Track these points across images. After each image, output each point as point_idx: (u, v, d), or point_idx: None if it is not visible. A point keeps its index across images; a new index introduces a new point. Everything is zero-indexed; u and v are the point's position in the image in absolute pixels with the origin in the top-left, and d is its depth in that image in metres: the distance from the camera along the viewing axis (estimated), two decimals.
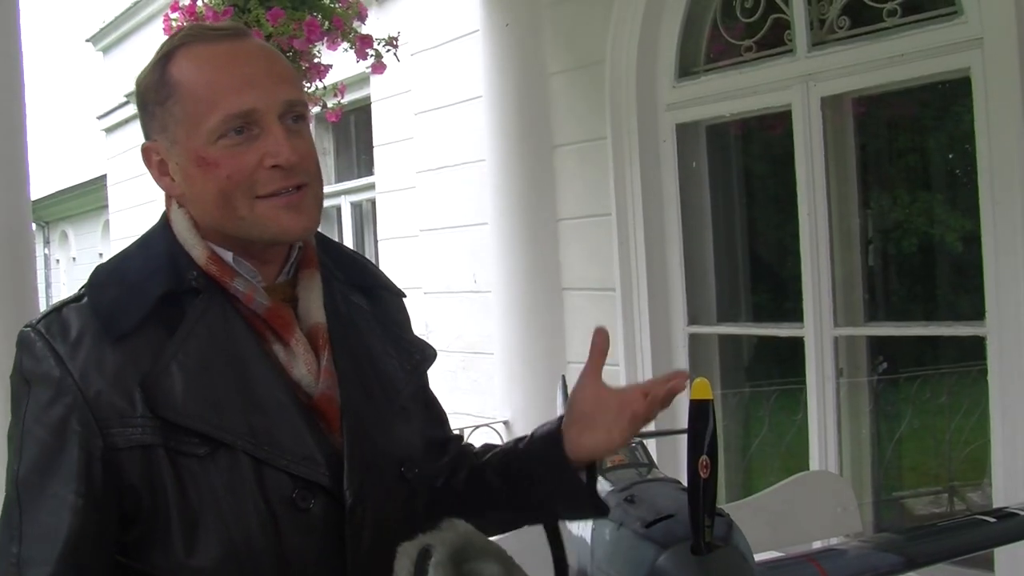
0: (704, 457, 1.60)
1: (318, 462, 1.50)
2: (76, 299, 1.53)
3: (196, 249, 1.56)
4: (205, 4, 4.06)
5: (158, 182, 1.60)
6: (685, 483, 1.90)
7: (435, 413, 1.82)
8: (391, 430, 1.62)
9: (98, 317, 1.48)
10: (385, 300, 1.78)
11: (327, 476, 1.50)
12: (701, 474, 1.60)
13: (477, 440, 5.15)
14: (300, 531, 1.48)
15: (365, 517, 1.53)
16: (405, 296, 1.83)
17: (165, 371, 1.45)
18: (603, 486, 2.10)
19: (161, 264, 1.54)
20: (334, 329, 1.61)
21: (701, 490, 1.61)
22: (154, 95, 1.55)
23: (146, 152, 1.59)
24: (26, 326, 1.51)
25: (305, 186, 1.55)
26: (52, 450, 1.43)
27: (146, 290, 1.50)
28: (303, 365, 1.54)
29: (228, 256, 1.57)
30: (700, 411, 1.61)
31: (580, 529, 2.10)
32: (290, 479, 1.48)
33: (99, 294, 1.52)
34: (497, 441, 5.26)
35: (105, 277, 1.55)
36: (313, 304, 1.61)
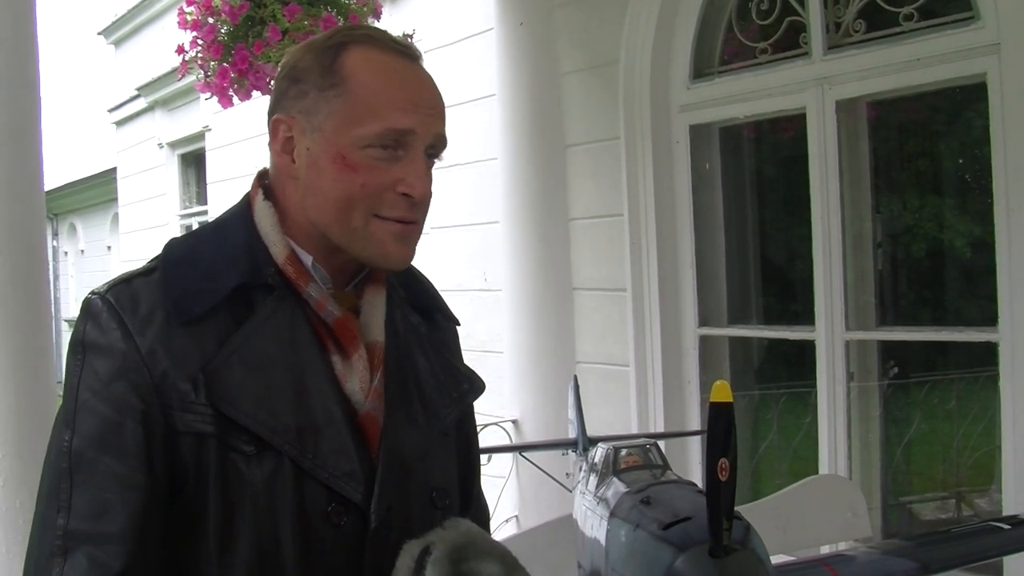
0: (723, 459, 1.59)
1: (358, 480, 1.49)
2: (146, 272, 1.51)
3: (277, 246, 1.55)
4: None
5: (275, 156, 1.58)
6: (700, 485, 1.89)
7: (466, 439, 1.79)
8: (428, 456, 1.61)
9: (169, 297, 1.47)
10: (440, 324, 1.77)
11: (362, 495, 1.50)
12: (720, 476, 1.59)
13: (484, 440, 5.16)
14: (329, 545, 1.48)
15: (388, 540, 1.51)
16: (460, 324, 1.83)
17: (226, 363, 1.44)
18: (618, 487, 2.10)
19: (239, 254, 1.53)
20: (389, 349, 1.60)
21: (720, 493, 1.60)
22: (317, 78, 1.53)
23: (276, 124, 1.56)
24: (92, 293, 1.49)
25: (416, 223, 1.56)
26: (113, 425, 1.41)
27: (221, 278, 1.49)
28: (357, 381, 1.53)
29: (308, 260, 1.56)
30: (720, 413, 1.60)
31: (594, 530, 2.09)
32: (327, 492, 1.47)
33: (172, 273, 1.50)
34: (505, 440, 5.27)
35: (179, 256, 1.54)
36: (375, 321, 1.60)
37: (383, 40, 1.57)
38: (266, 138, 1.60)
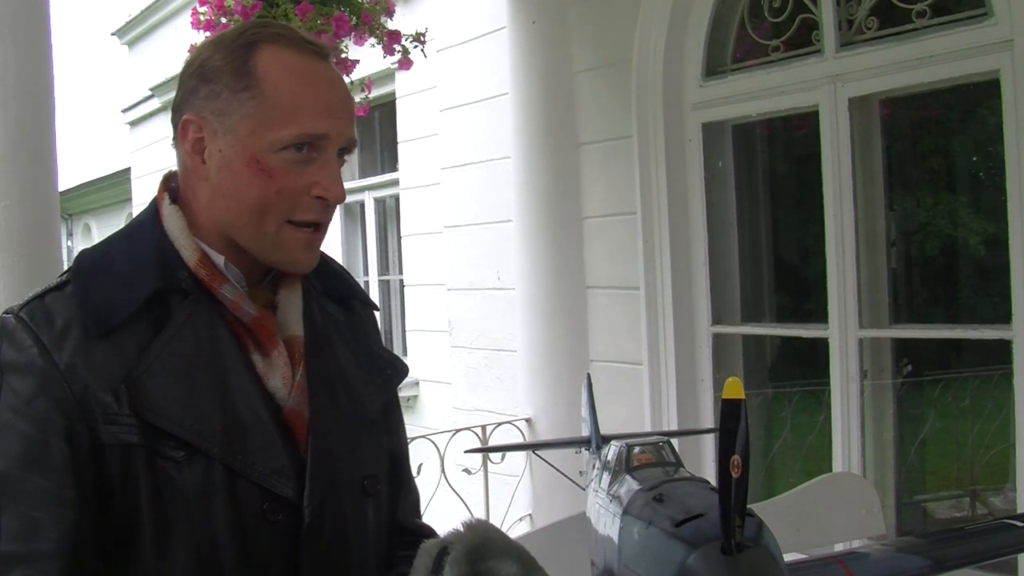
0: (736, 457, 1.59)
1: (289, 476, 1.50)
2: (58, 287, 1.49)
3: (187, 250, 1.54)
4: None
5: (184, 157, 1.55)
6: (714, 482, 1.89)
7: (394, 426, 1.79)
8: (357, 446, 1.62)
9: (84, 309, 1.45)
10: (358, 312, 1.78)
11: (293, 490, 1.50)
12: (732, 473, 1.59)
13: (498, 439, 5.16)
14: (266, 542, 1.48)
15: (323, 531, 1.53)
16: (378, 309, 1.83)
17: (148, 371, 1.43)
18: (631, 485, 2.10)
19: (151, 259, 1.51)
20: (310, 342, 1.61)
21: (732, 490, 1.60)
22: (229, 79, 1.50)
23: (186, 124, 1.53)
24: (6, 312, 1.46)
25: (322, 227, 1.57)
26: (37, 443, 1.38)
27: (135, 285, 1.48)
28: (279, 377, 1.54)
29: (220, 260, 1.55)
30: (732, 410, 1.60)
31: (607, 528, 2.09)
32: (260, 491, 1.47)
33: (85, 285, 1.48)
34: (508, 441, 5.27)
35: (91, 266, 1.51)
36: (292, 315, 1.61)
37: (294, 39, 1.56)
38: None
